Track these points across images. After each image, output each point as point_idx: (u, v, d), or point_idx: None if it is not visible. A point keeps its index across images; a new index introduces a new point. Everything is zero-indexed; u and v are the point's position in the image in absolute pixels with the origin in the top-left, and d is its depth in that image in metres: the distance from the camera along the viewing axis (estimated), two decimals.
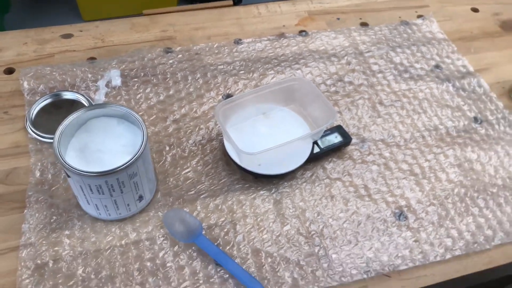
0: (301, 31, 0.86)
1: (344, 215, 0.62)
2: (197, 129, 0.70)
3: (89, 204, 0.56)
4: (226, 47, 0.82)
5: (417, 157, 0.70)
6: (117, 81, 0.75)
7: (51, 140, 0.65)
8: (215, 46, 0.82)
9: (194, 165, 0.66)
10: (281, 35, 0.84)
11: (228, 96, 0.74)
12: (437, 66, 0.83)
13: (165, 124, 0.70)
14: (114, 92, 0.73)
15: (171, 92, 0.74)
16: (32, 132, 0.66)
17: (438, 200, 0.65)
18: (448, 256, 0.60)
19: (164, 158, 0.66)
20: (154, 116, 0.71)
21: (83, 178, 0.51)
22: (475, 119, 0.76)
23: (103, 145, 0.56)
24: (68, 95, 0.71)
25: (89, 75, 0.75)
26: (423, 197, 0.65)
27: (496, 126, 0.75)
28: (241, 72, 0.78)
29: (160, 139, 0.68)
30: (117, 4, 1.82)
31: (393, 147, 0.71)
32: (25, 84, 0.72)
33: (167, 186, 0.63)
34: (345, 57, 0.82)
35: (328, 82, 0.79)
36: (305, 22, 0.88)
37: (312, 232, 0.60)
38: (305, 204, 0.63)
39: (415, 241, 0.61)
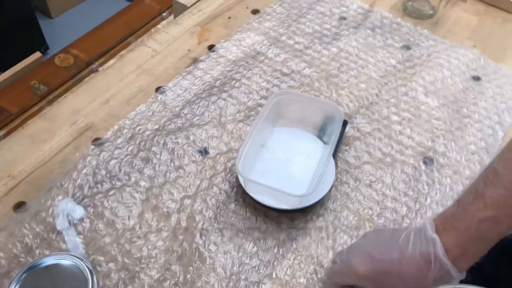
0: (210, 47, 0.78)
1: (394, 191, 0.62)
2: None
3: None
4: (153, 104, 0.70)
5: (396, 104, 0.72)
6: (78, 212, 0.59)
7: None
8: (138, 109, 0.69)
9: None
10: (195, 61, 0.75)
11: (206, 151, 0.65)
12: (343, 18, 0.85)
13: (172, 221, 0.58)
14: (87, 225, 0.58)
15: (159, 180, 0.61)
16: None
17: (440, 129, 0.69)
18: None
19: (206, 254, 0.56)
20: (154, 220, 0.58)
21: None
22: (407, 47, 0.80)
23: None
24: (46, 261, 0.53)
25: (39, 227, 0.57)
26: (430, 135, 0.68)
27: (424, 44, 0.82)
28: (200, 123, 0.68)
29: (184, 238, 0.57)
30: None
31: (374, 106, 0.71)
32: None
33: None
34: (270, 50, 0.78)
35: (275, 81, 0.74)
36: (204, 36, 0.79)
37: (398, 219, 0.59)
38: (360, 205, 0.61)
39: (455, 173, 0.64)
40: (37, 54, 1.45)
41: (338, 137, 0.64)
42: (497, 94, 0.74)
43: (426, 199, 0.62)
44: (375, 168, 0.64)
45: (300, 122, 0.65)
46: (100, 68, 1.15)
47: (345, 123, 0.66)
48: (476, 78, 0.76)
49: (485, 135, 0.69)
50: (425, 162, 0.65)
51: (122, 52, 1.16)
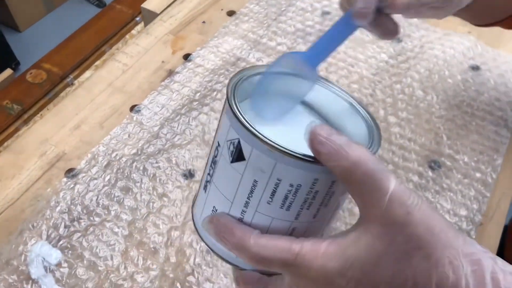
0: (186, 56, 0.71)
1: None
2: None
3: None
4: (128, 125, 0.63)
5: (392, 104, 0.67)
6: (54, 256, 0.53)
7: None
8: (112, 132, 0.63)
9: None
10: (171, 74, 0.69)
11: (191, 173, 0.59)
12: (326, 13, 0.79)
13: (159, 257, 0.53)
14: (66, 270, 0.51)
15: (141, 211, 0.55)
16: None
17: (440, 125, 0.64)
18: (498, 168, 0.60)
19: (201, 285, 0.50)
20: (139, 257, 0.53)
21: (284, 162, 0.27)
22: (397, 39, 0.75)
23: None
24: None
25: (12, 277, 0.51)
26: (433, 135, 0.63)
27: (415, 34, 0.76)
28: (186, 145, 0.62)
29: (175, 276, 0.51)
30: None
31: (370, 108, 0.66)
32: None
33: None
34: (250, 54, 0.72)
35: None
36: (178, 44, 0.73)
37: None
38: None
39: (465, 177, 0.59)
40: (8, 71, 1.37)
41: None
42: (499, 84, 0.69)
43: (437, 209, 0.57)
44: None
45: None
46: (76, 81, 1.09)
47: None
48: (475, 68, 0.71)
49: (491, 132, 0.64)
50: (431, 167, 0.60)
51: (97, 63, 1.09)
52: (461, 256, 0.26)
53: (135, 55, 0.71)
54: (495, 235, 0.55)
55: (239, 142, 0.27)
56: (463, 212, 0.56)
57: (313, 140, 0.26)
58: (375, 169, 0.26)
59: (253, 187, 0.28)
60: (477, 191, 0.58)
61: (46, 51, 1.20)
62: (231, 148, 0.28)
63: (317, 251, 0.27)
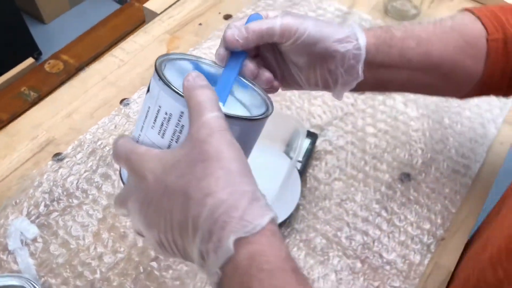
0: None
1: (366, 210, 0.58)
2: None
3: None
4: (116, 116, 0.67)
5: (373, 114, 0.68)
6: (31, 231, 0.56)
7: None
8: (100, 122, 0.66)
9: None
10: None
11: None
12: None
13: (129, 241, 0.56)
14: (40, 245, 0.55)
15: (112, 202, 0.59)
16: None
17: (420, 142, 0.65)
18: (466, 189, 0.61)
19: (161, 278, 0.53)
20: (109, 240, 0.56)
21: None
22: None
23: None
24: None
25: None
26: (408, 148, 0.64)
27: None
28: None
29: (139, 260, 0.54)
30: None
31: (349, 117, 0.68)
32: None
33: None
34: None
35: None
36: (174, 44, 0.76)
37: (359, 248, 0.55)
38: (329, 225, 0.57)
39: (434, 191, 0.60)
40: (29, 60, 1.44)
41: (302, 151, 0.60)
42: (483, 101, 0.70)
43: (400, 220, 0.58)
44: (346, 186, 0.61)
45: (266, 136, 0.61)
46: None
47: (315, 137, 0.63)
48: None
49: (467, 150, 0.65)
50: (401, 179, 0.61)
51: None
52: (227, 184, 0.31)
53: (131, 52, 0.74)
54: (455, 251, 0.56)
55: (150, 81, 0.37)
56: (426, 225, 0.58)
57: (185, 78, 0.34)
58: (204, 103, 0.33)
59: (146, 113, 0.36)
60: (443, 206, 0.59)
61: (67, 43, 1.25)
62: (148, 87, 0.37)
63: (149, 152, 0.34)
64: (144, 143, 0.36)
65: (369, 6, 0.83)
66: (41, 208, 0.58)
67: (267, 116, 0.39)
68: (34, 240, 0.56)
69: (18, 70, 1.37)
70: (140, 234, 0.37)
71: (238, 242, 0.29)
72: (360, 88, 0.49)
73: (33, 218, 0.58)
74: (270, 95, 0.41)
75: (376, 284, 0.53)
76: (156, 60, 0.37)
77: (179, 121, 0.35)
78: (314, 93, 0.70)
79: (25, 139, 0.66)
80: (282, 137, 0.61)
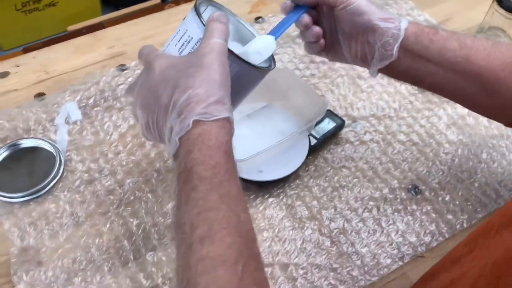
0: (257, 18, 0.80)
1: (360, 203, 0.59)
2: None
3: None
4: None
5: (412, 125, 0.68)
6: (76, 115, 0.67)
7: (21, 199, 0.57)
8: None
9: None
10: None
11: None
12: None
13: (144, 151, 0.63)
14: (77, 128, 0.65)
15: None
16: None
17: (445, 165, 0.63)
18: (473, 221, 0.58)
19: (155, 187, 0.60)
20: (130, 144, 0.64)
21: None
22: None
23: None
24: (26, 143, 0.62)
25: (43, 115, 0.66)
26: (430, 165, 0.63)
27: None
28: None
29: (145, 168, 0.61)
30: (37, 25, 1.67)
31: (386, 120, 0.68)
32: None
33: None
34: None
35: (301, 66, 0.74)
36: (257, 8, 0.82)
37: (335, 231, 0.57)
38: (318, 202, 0.59)
39: (437, 213, 0.59)
40: None
41: (317, 129, 0.63)
42: None
43: (388, 224, 0.58)
44: (351, 175, 0.62)
45: (294, 108, 0.64)
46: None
47: (342, 123, 0.65)
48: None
49: (492, 190, 0.61)
50: (407, 189, 0.61)
51: None
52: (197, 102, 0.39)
53: None
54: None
55: (189, 13, 0.45)
56: (411, 238, 0.57)
57: (210, 16, 0.43)
58: (216, 31, 0.42)
59: (176, 34, 0.46)
60: (438, 229, 0.58)
61: None
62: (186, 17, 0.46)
63: (163, 54, 0.44)
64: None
65: (464, 24, 0.81)
66: (91, 101, 0.68)
67: (263, 70, 0.45)
68: (75, 122, 0.66)
69: None
70: (135, 117, 0.46)
71: (196, 122, 0.39)
72: (397, 74, 0.52)
73: (82, 105, 0.68)
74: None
75: (335, 266, 0.54)
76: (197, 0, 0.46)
77: (196, 44, 0.44)
78: (361, 87, 0.72)
79: (105, 46, 0.76)
80: (306, 111, 0.63)
